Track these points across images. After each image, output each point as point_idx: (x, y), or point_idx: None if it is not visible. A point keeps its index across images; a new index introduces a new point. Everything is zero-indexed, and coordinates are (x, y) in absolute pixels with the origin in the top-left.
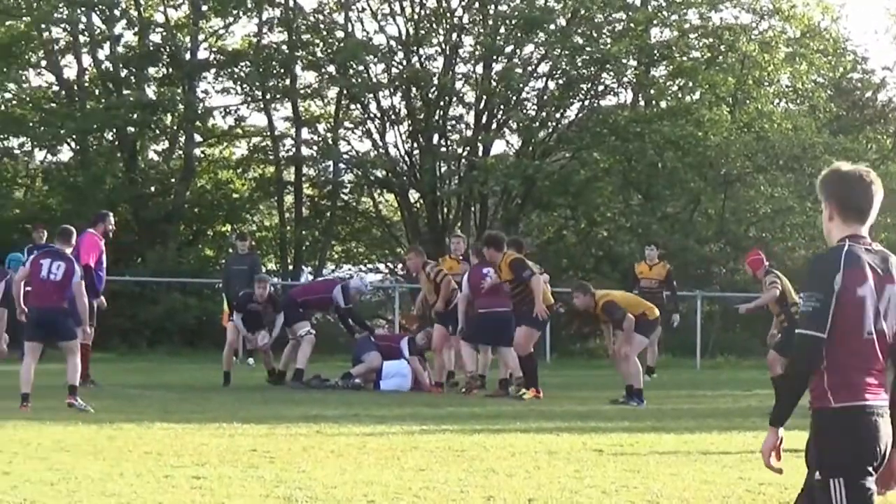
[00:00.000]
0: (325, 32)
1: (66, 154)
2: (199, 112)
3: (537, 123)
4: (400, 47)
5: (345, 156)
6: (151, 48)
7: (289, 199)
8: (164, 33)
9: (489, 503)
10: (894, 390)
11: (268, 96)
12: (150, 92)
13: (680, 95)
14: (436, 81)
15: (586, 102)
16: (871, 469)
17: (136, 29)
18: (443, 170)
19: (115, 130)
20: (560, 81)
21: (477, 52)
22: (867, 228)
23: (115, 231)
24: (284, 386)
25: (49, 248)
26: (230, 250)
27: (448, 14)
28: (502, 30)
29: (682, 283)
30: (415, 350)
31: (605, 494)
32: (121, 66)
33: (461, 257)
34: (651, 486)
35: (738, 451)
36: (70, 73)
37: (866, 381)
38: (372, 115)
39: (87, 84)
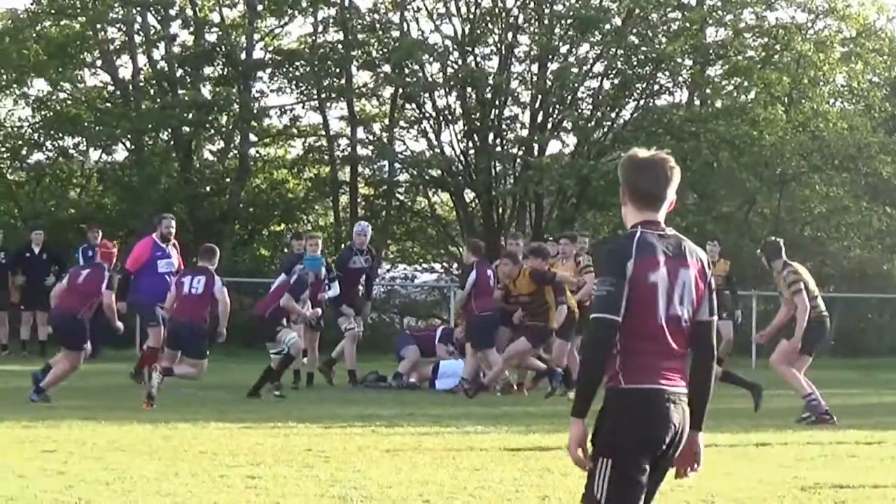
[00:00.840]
0: (380, 32)
1: (121, 154)
2: (255, 112)
3: (592, 123)
4: (455, 47)
5: (400, 155)
6: (207, 48)
7: (344, 198)
8: (220, 33)
9: (544, 503)
10: (692, 374)
11: (323, 96)
12: (206, 92)
13: (735, 95)
14: (491, 81)
15: (641, 102)
16: (646, 456)
17: (192, 28)
18: (498, 169)
19: (170, 130)
20: (615, 81)
21: (532, 52)
22: (662, 214)
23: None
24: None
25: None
26: (285, 250)
27: (504, 14)
28: (557, 29)
29: (738, 282)
30: (446, 340)
31: (661, 494)
32: (176, 65)
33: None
34: (705, 486)
35: (794, 450)
36: (125, 72)
37: (659, 366)
38: (427, 115)
39: (142, 84)
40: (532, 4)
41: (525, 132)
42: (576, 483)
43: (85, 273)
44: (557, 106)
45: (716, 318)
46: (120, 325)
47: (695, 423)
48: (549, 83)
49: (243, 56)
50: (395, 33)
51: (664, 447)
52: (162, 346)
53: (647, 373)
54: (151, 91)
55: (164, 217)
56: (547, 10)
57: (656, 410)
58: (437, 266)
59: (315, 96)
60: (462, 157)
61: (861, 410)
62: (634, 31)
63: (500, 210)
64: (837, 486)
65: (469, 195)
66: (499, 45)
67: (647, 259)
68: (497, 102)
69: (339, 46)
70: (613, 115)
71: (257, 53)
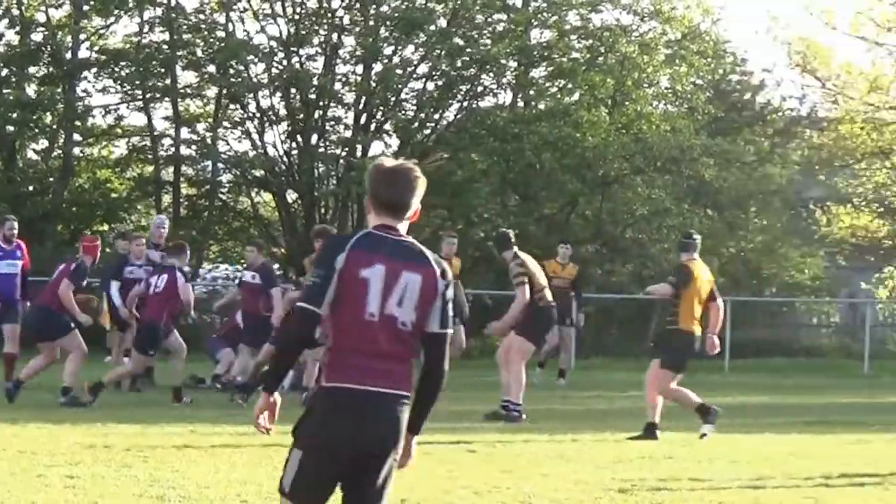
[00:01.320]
0: (206, 32)
1: None
2: (79, 111)
3: (416, 124)
4: (280, 47)
5: (223, 155)
6: (32, 47)
7: (166, 198)
8: (46, 32)
9: None
10: (418, 382)
11: (147, 95)
12: (31, 91)
13: (559, 96)
14: (315, 82)
15: (465, 103)
16: (340, 454)
17: (18, 28)
18: (321, 170)
19: None
20: (439, 82)
21: (357, 53)
22: (403, 222)
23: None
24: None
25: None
26: (107, 250)
27: (329, 15)
28: (382, 31)
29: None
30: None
31: (477, 495)
32: (1, 65)
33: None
34: (523, 487)
35: (611, 452)
36: None
37: (364, 365)
38: (251, 115)
39: None
40: (357, 6)
41: (348, 133)
42: (393, 484)
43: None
44: (381, 107)
45: (449, 330)
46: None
47: (411, 426)
48: (373, 84)
49: (69, 56)
50: (221, 34)
51: (366, 448)
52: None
53: (350, 372)
54: None
55: (6, 218)
56: (372, 12)
57: (355, 410)
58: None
59: (140, 96)
60: (285, 158)
61: (679, 412)
62: (459, 32)
63: (323, 211)
64: (654, 487)
65: (292, 196)
66: (323, 46)
67: (362, 255)
68: (321, 103)
69: (165, 46)
70: (437, 116)
71: (83, 53)
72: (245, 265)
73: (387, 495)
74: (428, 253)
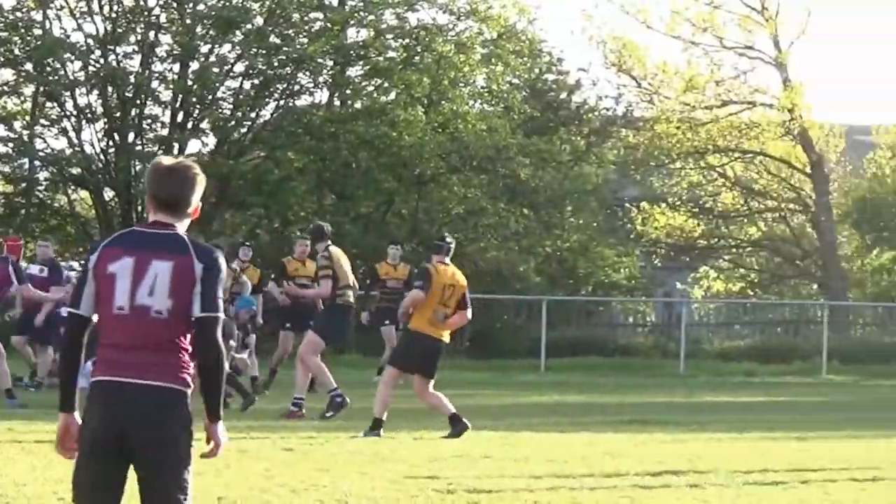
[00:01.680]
0: (22, 30)
1: None
2: None
3: (233, 123)
4: (97, 45)
5: (41, 153)
6: None
7: None
8: None
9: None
10: (198, 371)
11: None
12: None
13: (375, 95)
14: (132, 80)
15: (282, 102)
16: (104, 448)
17: None
18: (138, 168)
19: None
20: (256, 81)
21: (174, 51)
22: (181, 219)
23: None
24: None
25: None
26: None
27: (146, 13)
28: (199, 29)
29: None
30: None
31: (294, 493)
32: None
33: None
34: (340, 486)
35: (428, 451)
36: None
37: (118, 358)
38: (68, 113)
39: None
40: (174, 4)
41: (165, 131)
42: (210, 482)
43: None
44: (198, 105)
45: (214, 314)
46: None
47: (207, 413)
48: (189, 83)
49: None
50: (38, 31)
51: (127, 441)
52: None
53: (106, 365)
54: None
55: None
56: (189, 10)
57: (107, 403)
58: (76, 264)
59: None
60: (102, 156)
61: (496, 412)
62: (276, 31)
63: (140, 209)
64: (471, 487)
65: (109, 193)
66: (140, 44)
67: (110, 251)
68: (138, 101)
69: None
70: (253, 114)
71: None
72: (38, 260)
73: (174, 490)
74: (191, 242)
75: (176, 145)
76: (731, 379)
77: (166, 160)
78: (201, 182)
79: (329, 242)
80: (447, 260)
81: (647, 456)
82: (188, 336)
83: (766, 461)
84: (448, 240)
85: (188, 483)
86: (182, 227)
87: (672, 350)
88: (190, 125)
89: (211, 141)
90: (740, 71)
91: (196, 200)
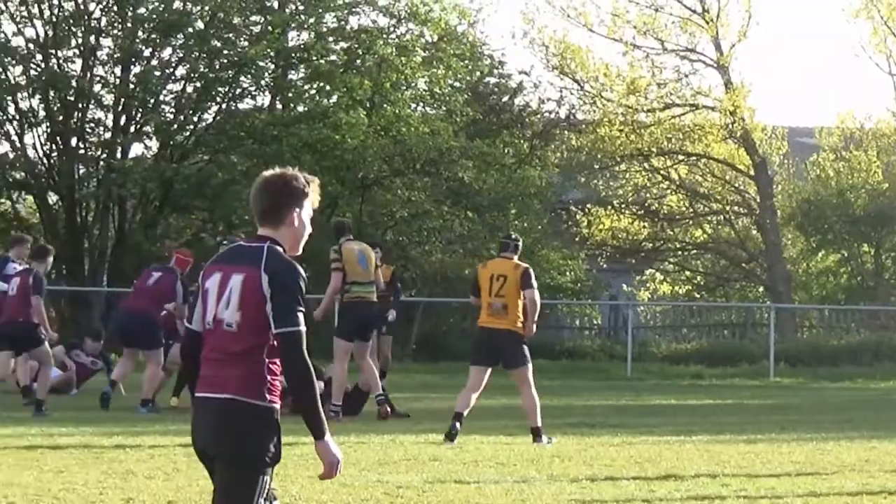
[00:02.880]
0: None
1: None
2: None
3: (175, 126)
4: (38, 49)
5: None
6: None
7: None
8: None
9: None
10: (291, 391)
11: None
12: None
13: (317, 99)
14: (74, 84)
15: (224, 105)
16: (204, 459)
17: None
18: (81, 172)
19: None
20: (198, 84)
21: (115, 55)
22: (265, 226)
23: None
24: None
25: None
26: None
27: (86, 17)
28: (140, 32)
29: (320, 286)
30: None
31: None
32: None
33: None
34: (290, 489)
35: (376, 454)
36: None
37: (206, 374)
38: (10, 117)
39: None
40: (115, 8)
41: (108, 135)
42: (160, 486)
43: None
44: (140, 109)
45: (289, 328)
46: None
47: (311, 433)
48: (131, 86)
49: None
50: None
51: (209, 454)
52: None
53: (199, 381)
54: None
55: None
56: (130, 13)
57: (194, 419)
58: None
59: None
60: (45, 160)
61: (444, 415)
62: (217, 34)
63: (84, 213)
64: (420, 489)
65: (52, 198)
66: (81, 48)
67: (210, 268)
68: (80, 105)
69: None
70: (196, 118)
71: None
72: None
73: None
74: (267, 254)
75: (119, 149)
76: (678, 382)
77: (267, 173)
78: (296, 192)
79: (347, 237)
80: (510, 254)
81: (596, 459)
82: (265, 349)
83: (715, 464)
84: (514, 236)
85: (255, 499)
86: (286, 238)
87: (619, 353)
88: (133, 129)
89: (154, 144)
90: (682, 74)
91: (293, 210)
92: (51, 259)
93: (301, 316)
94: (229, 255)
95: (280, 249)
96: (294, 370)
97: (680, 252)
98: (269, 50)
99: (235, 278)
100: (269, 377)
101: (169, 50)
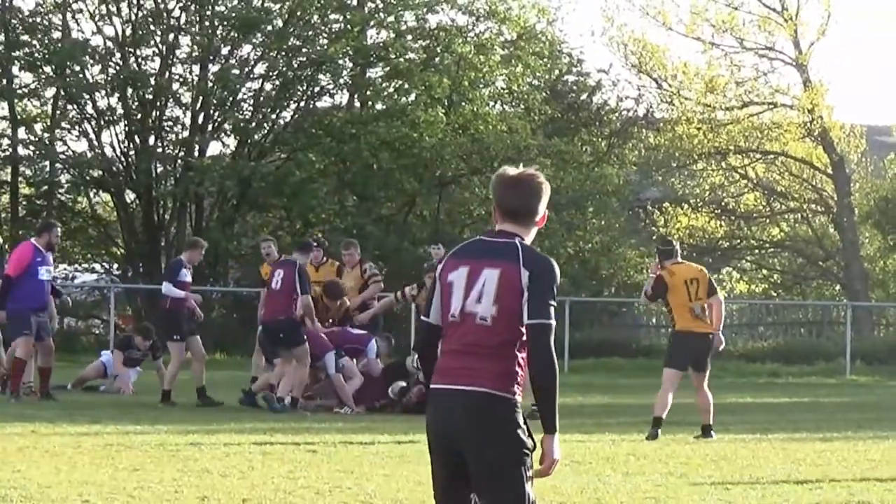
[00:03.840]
0: (42, 33)
1: None
2: None
3: (253, 125)
4: (117, 48)
5: (61, 156)
6: None
7: (4, 198)
8: None
9: (203, 503)
10: (532, 383)
11: None
12: None
13: (395, 97)
14: (152, 82)
15: (302, 104)
16: (442, 453)
17: None
18: (159, 170)
19: None
20: (276, 82)
21: (194, 53)
22: (527, 227)
23: None
24: None
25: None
26: None
27: (165, 15)
28: (219, 31)
29: (398, 284)
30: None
31: (318, 495)
32: None
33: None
34: (365, 487)
35: None
36: None
37: (451, 365)
38: (89, 116)
39: None
40: (194, 6)
41: (186, 133)
42: (235, 484)
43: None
44: (218, 107)
45: (543, 321)
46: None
47: (543, 426)
48: (210, 84)
49: None
50: (58, 34)
51: (459, 447)
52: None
53: (441, 373)
54: None
55: (54, 225)
56: (209, 11)
57: (438, 410)
58: (98, 266)
59: None
60: (123, 158)
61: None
62: (296, 32)
63: (161, 211)
64: None
65: (130, 196)
66: (160, 47)
67: (451, 261)
68: (158, 103)
69: (0, 47)
70: (274, 116)
71: None
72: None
73: (506, 500)
74: (522, 250)
75: (197, 147)
76: (754, 380)
77: (511, 170)
78: (546, 191)
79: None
80: (679, 259)
81: (671, 457)
82: (518, 344)
83: (791, 462)
84: (672, 244)
85: (524, 494)
86: (528, 235)
87: None
88: (210, 127)
89: (232, 143)
90: (761, 72)
91: (542, 209)
92: (313, 254)
93: (553, 311)
94: (473, 250)
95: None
96: (541, 360)
97: (756, 250)
98: (347, 48)
99: (489, 272)
100: (519, 372)
101: (248, 48)
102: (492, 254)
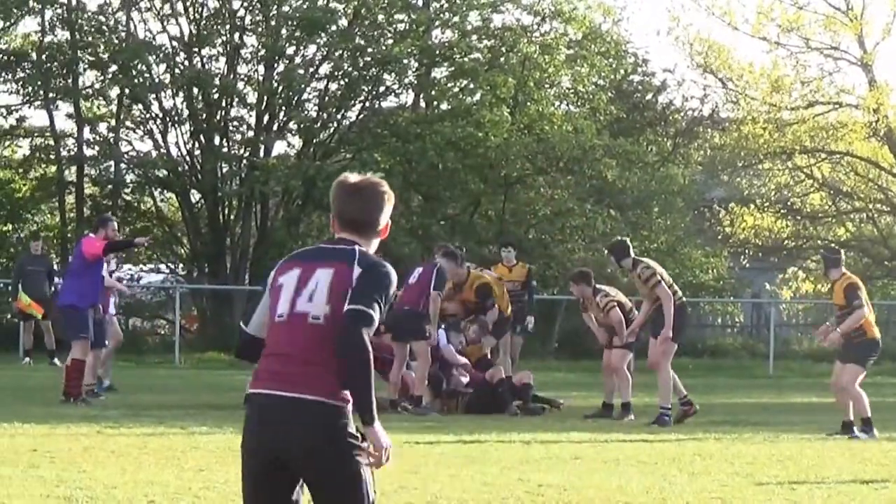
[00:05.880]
0: (107, 33)
1: None
2: None
3: (318, 124)
4: (182, 48)
5: (126, 155)
6: None
7: (70, 198)
8: None
9: None
10: (344, 370)
11: (50, 95)
12: None
13: (460, 96)
14: (217, 82)
15: (367, 103)
16: (259, 462)
17: None
18: (224, 170)
19: None
20: (341, 82)
21: (259, 53)
22: (363, 235)
23: None
24: None
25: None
26: (19, 248)
27: (230, 15)
28: (284, 30)
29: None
30: None
31: (383, 496)
32: None
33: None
34: (430, 488)
35: (518, 452)
36: None
37: (270, 369)
38: (154, 115)
39: None
40: (258, 6)
41: (251, 133)
42: None
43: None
44: (283, 107)
45: (359, 307)
46: None
47: (361, 419)
48: (275, 84)
49: None
50: (123, 33)
51: (282, 455)
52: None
53: (259, 377)
54: None
55: (109, 219)
56: (273, 11)
57: (254, 416)
58: (163, 266)
59: (42, 96)
60: (188, 158)
61: (583, 413)
62: (361, 32)
63: (227, 211)
64: (562, 488)
65: (195, 196)
66: (225, 46)
67: (283, 265)
68: (223, 103)
69: (66, 46)
70: (339, 116)
71: None
72: None
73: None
74: (360, 253)
75: (262, 147)
76: (820, 380)
77: (352, 177)
78: (389, 200)
79: (634, 256)
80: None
81: (737, 457)
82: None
83: (857, 462)
84: (840, 252)
85: (365, 499)
86: (370, 247)
87: (761, 351)
88: (276, 127)
89: (297, 142)
90: (826, 72)
91: (384, 219)
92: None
93: (376, 305)
94: (308, 254)
95: None
96: (348, 347)
97: (822, 250)
98: (412, 48)
99: (322, 272)
100: None
101: (313, 48)
102: (326, 256)
